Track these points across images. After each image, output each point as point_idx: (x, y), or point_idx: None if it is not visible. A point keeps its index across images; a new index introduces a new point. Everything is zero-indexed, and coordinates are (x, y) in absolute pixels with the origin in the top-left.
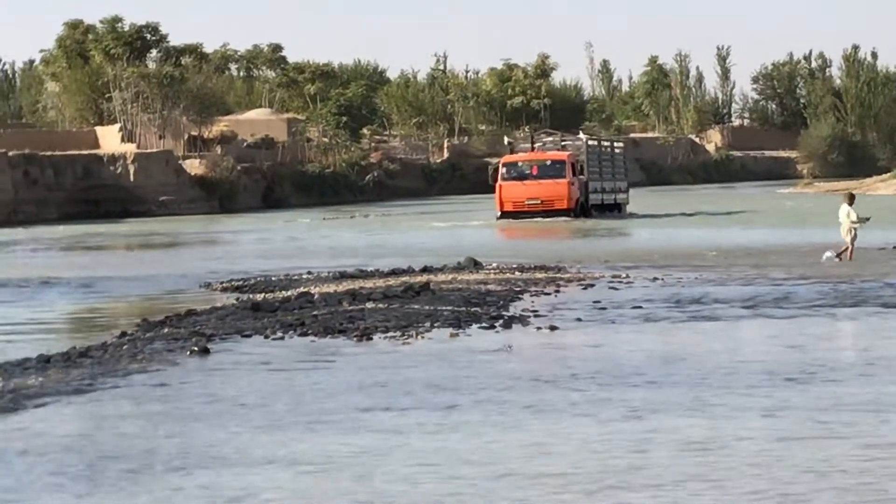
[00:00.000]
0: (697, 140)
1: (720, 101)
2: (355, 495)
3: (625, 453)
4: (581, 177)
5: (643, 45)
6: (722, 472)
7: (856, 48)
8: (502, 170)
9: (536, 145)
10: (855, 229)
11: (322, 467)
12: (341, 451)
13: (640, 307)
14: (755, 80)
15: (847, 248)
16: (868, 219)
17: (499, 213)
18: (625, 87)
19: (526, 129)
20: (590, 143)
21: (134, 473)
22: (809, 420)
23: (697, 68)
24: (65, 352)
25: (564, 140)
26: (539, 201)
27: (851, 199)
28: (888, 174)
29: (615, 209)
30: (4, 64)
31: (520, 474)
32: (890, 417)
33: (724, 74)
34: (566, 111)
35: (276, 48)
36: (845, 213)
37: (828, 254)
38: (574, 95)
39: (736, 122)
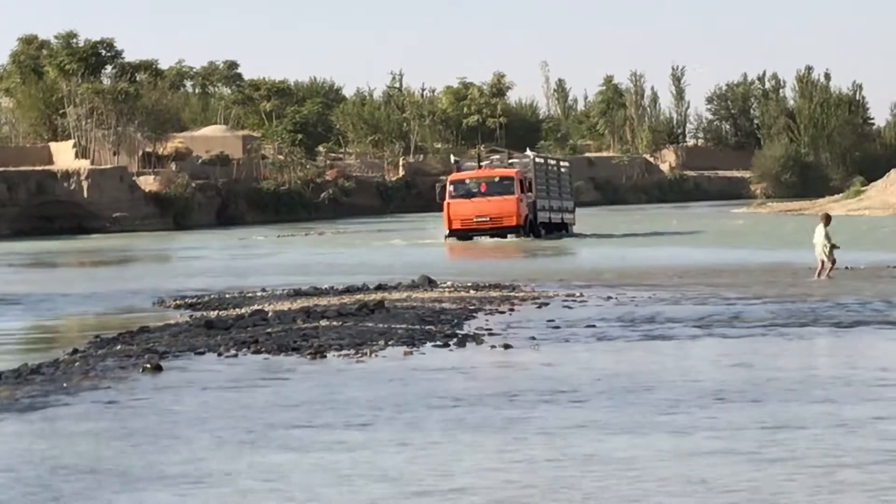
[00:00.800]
0: (652, 160)
1: (675, 121)
2: None
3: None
4: (529, 194)
5: (598, 65)
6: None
7: (809, 69)
8: (450, 188)
9: (484, 163)
10: (833, 248)
11: (261, 483)
12: (279, 468)
13: (594, 326)
14: (709, 100)
15: (819, 268)
16: (838, 247)
17: (447, 232)
18: (580, 107)
19: (481, 148)
20: (537, 160)
21: (82, 491)
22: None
23: (652, 88)
24: (16, 368)
25: (512, 157)
26: (488, 218)
27: (828, 220)
28: (840, 195)
29: (562, 229)
30: None
31: (434, 492)
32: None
33: (679, 94)
34: (522, 130)
35: (232, 65)
36: (822, 235)
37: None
38: (530, 114)
39: (690, 142)
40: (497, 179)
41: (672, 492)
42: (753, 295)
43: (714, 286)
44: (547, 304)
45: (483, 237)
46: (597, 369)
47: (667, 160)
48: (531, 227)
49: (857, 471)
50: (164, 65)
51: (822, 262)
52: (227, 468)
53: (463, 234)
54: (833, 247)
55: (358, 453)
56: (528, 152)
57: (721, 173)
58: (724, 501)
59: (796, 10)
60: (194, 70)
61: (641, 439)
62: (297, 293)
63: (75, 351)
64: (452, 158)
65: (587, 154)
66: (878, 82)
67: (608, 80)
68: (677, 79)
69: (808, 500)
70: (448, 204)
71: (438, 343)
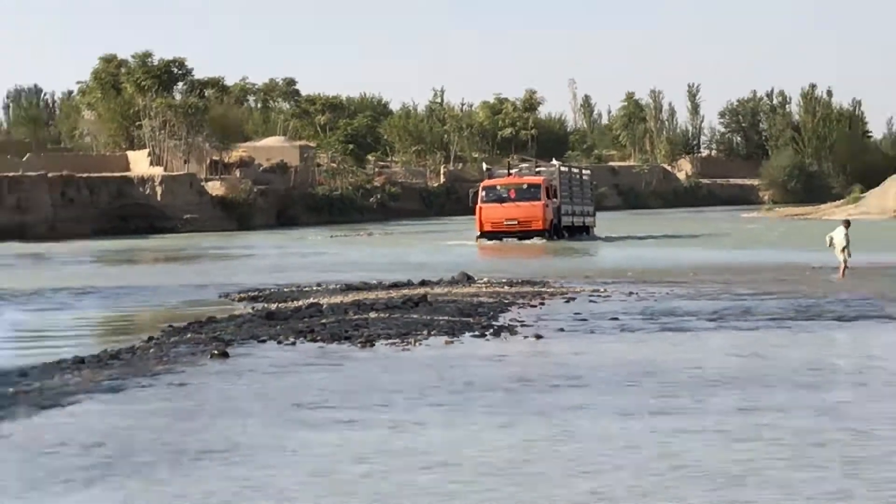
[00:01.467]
0: (669, 168)
1: (690, 134)
2: (330, 477)
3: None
4: (554, 200)
5: (621, 82)
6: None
7: (813, 86)
8: (482, 193)
9: (514, 171)
10: (847, 250)
11: (317, 457)
12: (329, 443)
13: (617, 318)
14: (722, 114)
15: (841, 267)
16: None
17: (479, 233)
18: (604, 120)
19: (513, 157)
20: (562, 169)
21: (157, 463)
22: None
23: (670, 104)
24: (97, 354)
25: (539, 166)
26: (516, 222)
27: (847, 224)
28: (841, 201)
29: (584, 231)
30: (45, 94)
31: (454, 465)
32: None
33: (694, 109)
34: (551, 142)
35: (291, 82)
36: (842, 236)
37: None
38: (558, 127)
39: (704, 153)
40: (525, 186)
41: (639, 461)
42: (763, 291)
43: (727, 283)
44: (574, 299)
45: (511, 239)
46: (618, 358)
47: (683, 169)
48: (555, 231)
49: (824, 449)
50: (229, 81)
51: (843, 261)
52: (281, 444)
53: (493, 235)
54: (849, 247)
55: (405, 432)
56: (554, 161)
57: (732, 181)
58: (698, 473)
59: (802, 33)
60: (256, 86)
61: (638, 420)
62: (349, 287)
63: (150, 339)
64: (484, 166)
65: (611, 163)
66: (876, 99)
67: (630, 96)
68: (693, 95)
69: (769, 475)
70: (480, 208)
71: (476, 333)
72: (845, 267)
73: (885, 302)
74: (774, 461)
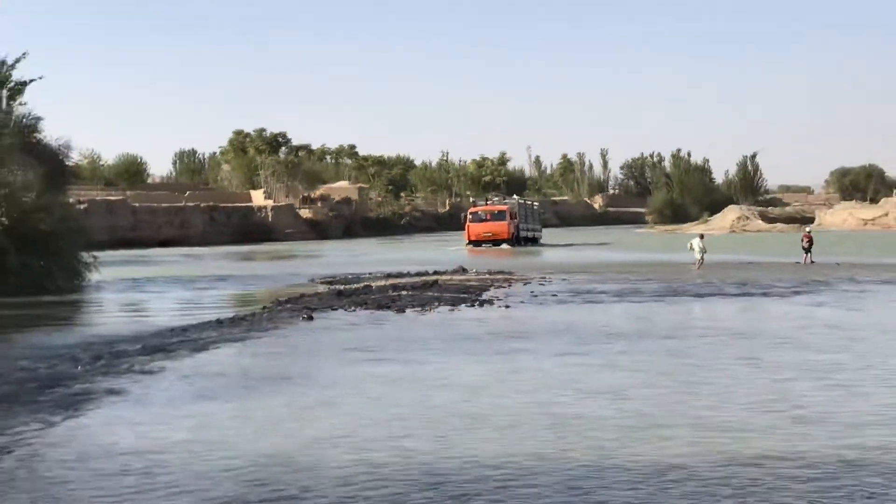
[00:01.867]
0: (589, 201)
1: (602, 179)
2: (387, 391)
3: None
4: (515, 220)
5: (558, 147)
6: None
7: (678, 150)
8: (469, 216)
9: (489, 202)
10: (703, 252)
11: (378, 381)
12: (366, 377)
13: (556, 295)
14: (622, 167)
15: (697, 263)
16: (705, 251)
17: (467, 241)
18: (548, 171)
19: (490, 194)
20: (519, 201)
21: (273, 383)
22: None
23: (589, 161)
24: (231, 317)
25: (505, 199)
26: (491, 234)
27: (702, 236)
28: (696, 221)
29: (534, 241)
30: (199, 153)
31: (446, 385)
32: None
33: (604, 164)
34: (515, 184)
35: (352, 146)
36: (698, 244)
37: (694, 266)
38: (519, 175)
39: (611, 192)
40: (497, 212)
41: (557, 383)
42: (648, 278)
43: (625, 273)
44: (529, 283)
45: (488, 245)
46: (554, 319)
47: (597, 202)
48: (516, 240)
49: (666, 377)
50: (314, 146)
51: (698, 259)
52: (345, 373)
53: (476, 243)
54: (703, 251)
55: (423, 365)
56: (515, 196)
57: (630, 209)
58: (590, 390)
59: (672, 115)
60: (331, 149)
61: (560, 358)
62: (388, 275)
63: (264, 307)
64: (472, 200)
65: (553, 198)
66: (718, 157)
67: (564, 156)
68: (603, 155)
69: (635, 391)
70: (468, 225)
71: (468, 304)
72: (701, 262)
73: (724, 285)
74: (637, 382)
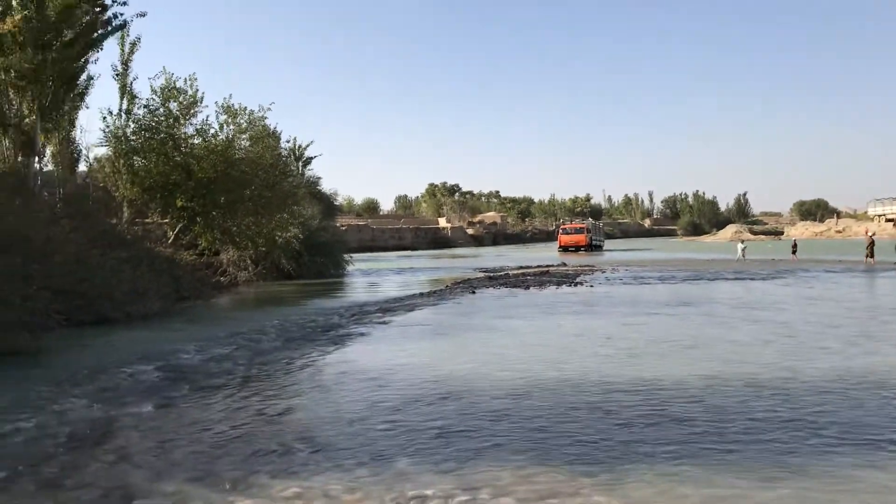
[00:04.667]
0: (641, 222)
1: (650, 208)
2: (519, 341)
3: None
4: (589, 233)
5: (622, 188)
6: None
7: (697, 190)
8: (560, 230)
9: (574, 221)
10: (744, 251)
11: (510, 330)
12: (510, 326)
13: (621, 279)
14: (662, 201)
15: (739, 258)
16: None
17: (559, 247)
18: (616, 204)
19: (576, 218)
20: (592, 222)
21: (451, 331)
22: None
23: (641, 197)
24: (427, 291)
25: (584, 220)
26: (574, 242)
27: (742, 241)
28: (707, 234)
29: (599, 248)
30: (408, 196)
31: (551, 345)
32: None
33: (651, 199)
34: (594, 213)
35: (497, 191)
36: (741, 246)
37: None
38: (597, 206)
39: (655, 216)
40: (578, 227)
41: (625, 334)
42: (681, 269)
43: (665, 265)
44: (604, 272)
45: (572, 249)
46: (620, 295)
47: (646, 222)
48: (590, 247)
49: (693, 328)
50: (475, 190)
51: (740, 256)
52: (497, 326)
53: (564, 248)
54: (744, 251)
55: (541, 320)
56: (590, 219)
57: (667, 227)
58: (622, 346)
59: (692, 170)
60: (485, 192)
61: (626, 317)
62: (520, 267)
63: (446, 286)
64: (562, 220)
65: (619, 220)
66: (723, 191)
67: (626, 195)
68: (650, 194)
69: (663, 346)
70: (560, 236)
71: (567, 285)
72: (742, 258)
73: (725, 272)
74: (671, 335)
